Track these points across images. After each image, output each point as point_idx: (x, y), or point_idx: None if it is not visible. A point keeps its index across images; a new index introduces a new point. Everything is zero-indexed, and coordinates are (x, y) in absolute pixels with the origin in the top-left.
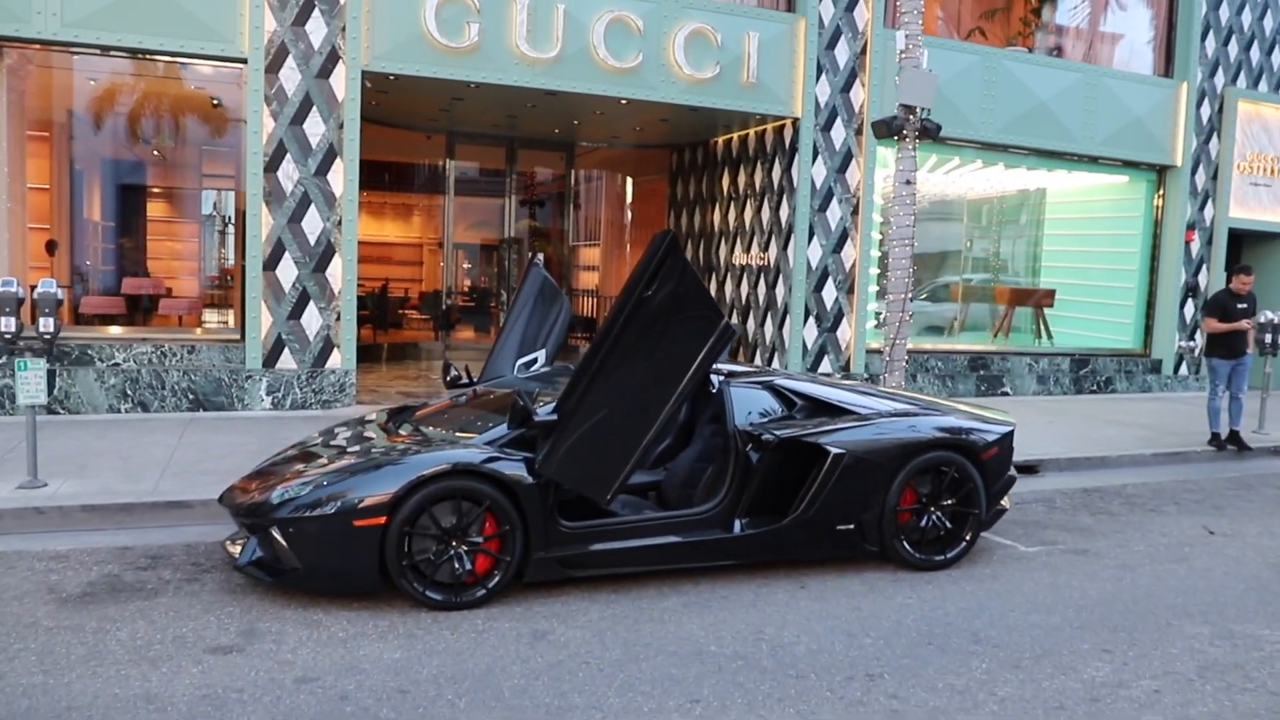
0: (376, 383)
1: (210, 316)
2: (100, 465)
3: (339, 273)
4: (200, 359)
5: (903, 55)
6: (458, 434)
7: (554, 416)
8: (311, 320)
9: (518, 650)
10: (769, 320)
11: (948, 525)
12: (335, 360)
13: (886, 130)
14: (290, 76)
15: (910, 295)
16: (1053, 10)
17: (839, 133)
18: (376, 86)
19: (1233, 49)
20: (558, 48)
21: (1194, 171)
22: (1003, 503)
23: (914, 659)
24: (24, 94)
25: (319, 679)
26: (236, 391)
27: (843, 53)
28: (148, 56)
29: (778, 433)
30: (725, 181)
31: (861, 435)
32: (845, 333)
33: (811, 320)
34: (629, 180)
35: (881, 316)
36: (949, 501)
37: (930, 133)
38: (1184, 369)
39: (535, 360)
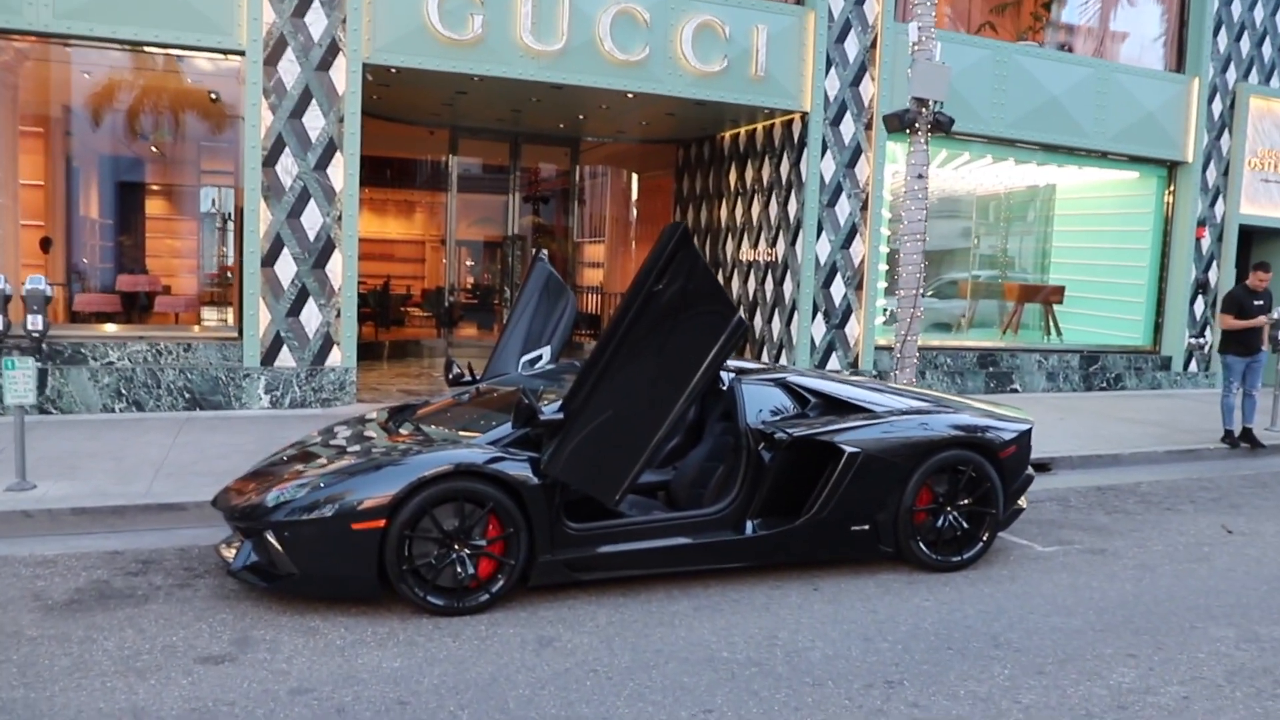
0: (378, 381)
1: (208, 314)
2: (92, 466)
3: (339, 269)
4: (197, 357)
5: (915, 48)
6: (460, 433)
7: (560, 415)
8: (311, 317)
9: (523, 658)
10: (776, 316)
11: (964, 525)
12: (335, 358)
13: (899, 124)
14: (289, 69)
15: (921, 291)
16: (1063, 5)
17: (848, 127)
18: (378, 80)
19: (1244, 44)
20: (563, 40)
21: (1205, 167)
22: (1020, 502)
23: (934, 664)
24: (16, 88)
25: (314, 690)
26: (234, 390)
27: (852, 46)
28: (143, 49)
29: (791, 431)
30: (732, 177)
31: (877, 434)
32: (854, 329)
33: (820, 316)
34: (634, 176)
35: (888, 313)
36: (966, 501)
37: (943, 126)
38: (1194, 366)
39: (540, 357)
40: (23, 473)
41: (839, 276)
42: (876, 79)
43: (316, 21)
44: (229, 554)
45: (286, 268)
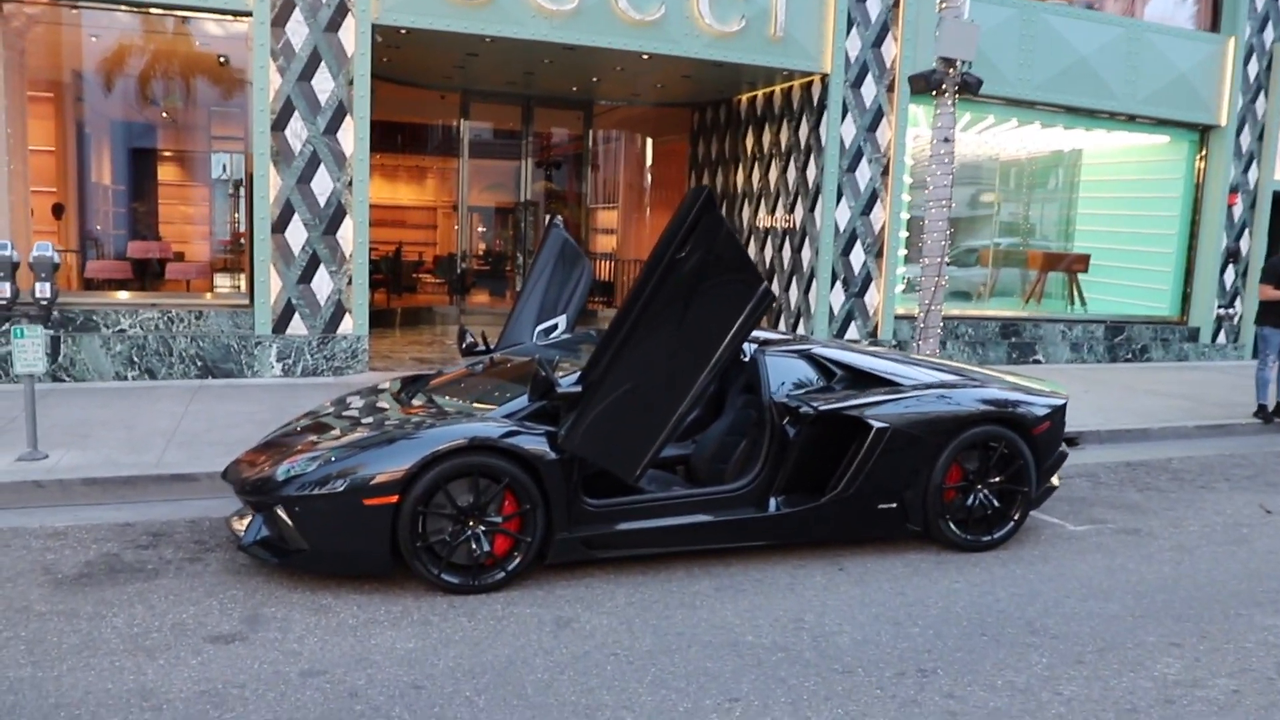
0: (390, 348)
1: (220, 282)
2: (104, 435)
3: (350, 235)
4: (208, 325)
5: (943, 5)
6: (475, 405)
7: (579, 388)
8: (322, 284)
9: (540, 640)
10: (794, 285)
11: (995, 504)
12: (347, 325)
13: (925, 85)
14: (297, 30)
15: (946, 259)
16: None
17: (869, 89)
18: (387, 41)
19: None
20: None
21: (1239, 131)
22: (1052, 480)
23: (968, 652)
24: (24, 52)
25: (327, 672)
26: (246, 358)
27: (874, 5)
28: (150, 10)
29: (817, 405)
30: (749, 141)
31: (906, 408)
32: (873, 298)
33: (839, 285)
34: (649, 141)
35: (907, 280)
36: (997, 479)
37: (971, 87)
38: (1222, 337)
39: (555, 326)
40: (34, 442)
41: (858, 244)
42: (899, 39)
43: None
44: (240, 527)
45: (297, 234)
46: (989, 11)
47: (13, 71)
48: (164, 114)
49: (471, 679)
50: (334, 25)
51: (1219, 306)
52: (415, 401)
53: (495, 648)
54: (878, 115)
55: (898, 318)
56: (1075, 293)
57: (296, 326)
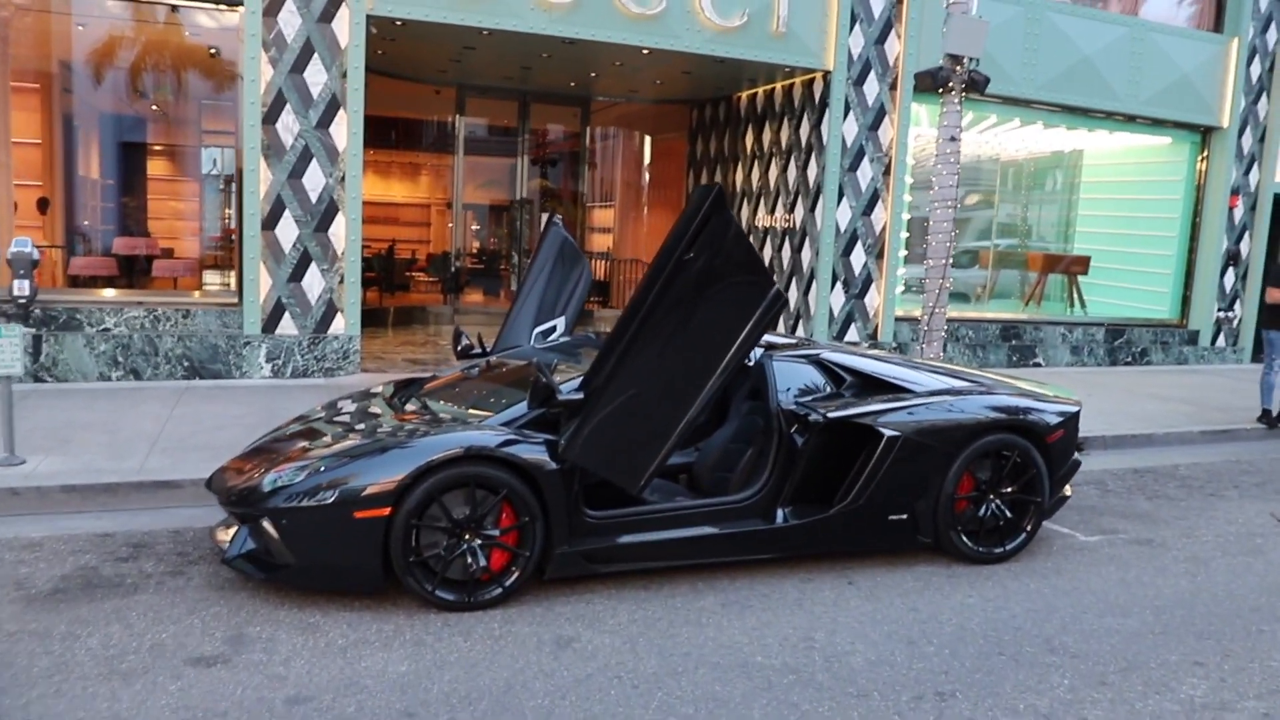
0: (382, 349)
1: (209, 279)
2: (85, 439)
3: (342, 232)
4: (196, 324)
5: (951, 0)
6: (471, 411)
7: (580, 394)
8: (313, 283)
9: (540, 661)
10: (794, 286)
11: (1007, 514)
12: (339, 325)
13: (932, 82)
14: (290, 20)
15: (951, 260)
16: None
17: (872, 87)
18: (382, 33)
19: None
20: None
21: (1241, 133)
22: (1065, 490)
23: (986, 673)
24: (8, 40)
25: (314, 699)
26: (234, 358)
27: (878, 1)
28: None
29: (827, 413)
30: (749, 139)
31: (917, 416)
32: (874, 299)
33: (839, 286)
34: (646, 138)
35: (906, 282)
36: (1009, 489)
37: (978, 85)
38: (1222, 340)
39: (554, 329)
40: (11, 446)
41: (859, 244)
42: (903, 36)
43: None
44: (224, 539)
45: (288, 231)
46: (994, 9)
47: None
48: (154, 107)
49: (468, 706)
50: (328, 16)
51: (1219, 309)
52: (409, 407)
53: (493, 670)
54: (880, 114)
55: (898, 319)
56: (1075, 295)
57: (287, 326)
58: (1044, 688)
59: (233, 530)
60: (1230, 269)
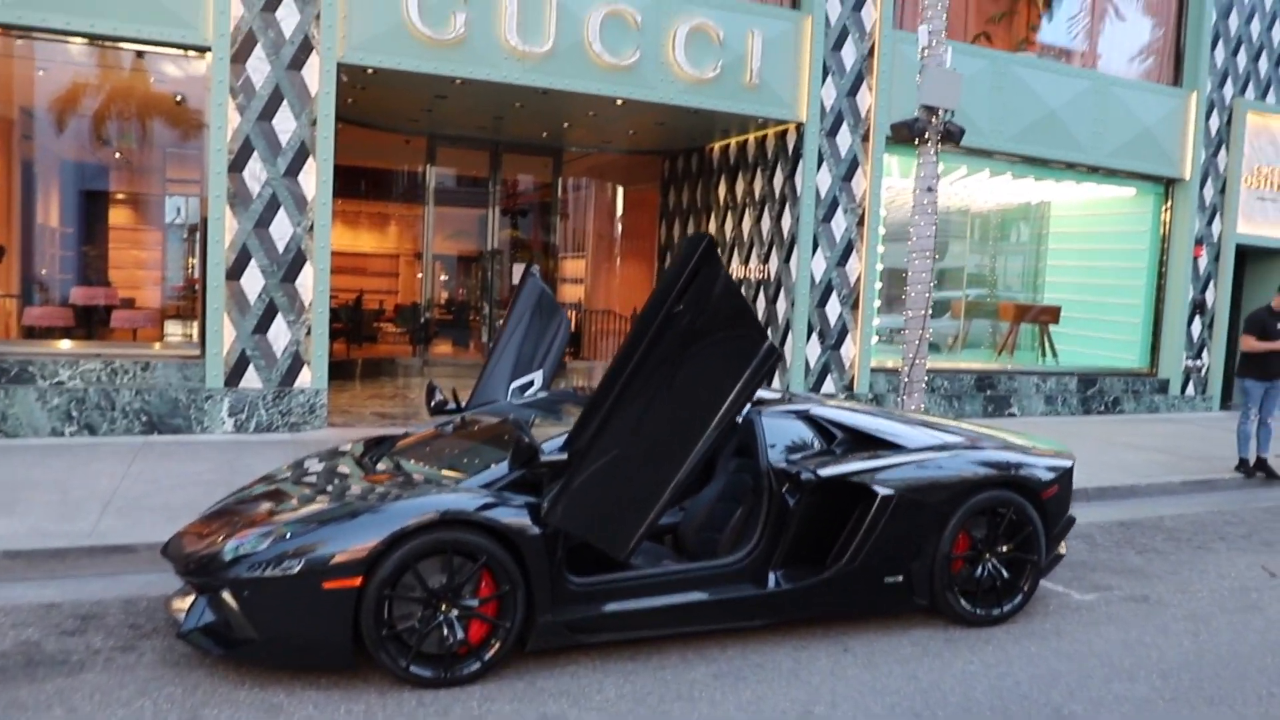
0: (349, 403)
1: (171, 330)
2: (33, 499)
3: (310, 283)
4: (155, 377)
5: (925, 52)
6: (446, 473)
7: (564, 455)
8: (279, 334)
9: None
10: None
11: (1004, 574)
12: (305, 378)
13: (908, 133)
14: (258, 67)
15: (929, 311)
16: (1059, 16)
17: (845, 139)
18: (353, 81)
19: (1241, 59)
20: (550, 42)
21: (1202, 185)
22: (1060, 548)
23: None
24: None
25: None
26: (195, 413)
27: (849, 54)
28: (102, 43)
29: (820, 471)
30: (722, 190)
31: (912, 473)
32: (849, 350)
33: (814, 337)
34: (619, 189)
35: (878, 332)
36: (1005, 548)
37: (954, 137)
38: (1190, 389)
39: (531, 383)
40: None
41: (834, 295)
42: (874, 89)
43: (288, 17)
44: (180, 609)
45: (254, 281)
46: (962, 62)
47: None
48: (117, 155)
49: None
50: (297, 63)
51: (1187, 358)
52: (380, 467)
53: None
54: (853, 165)
55: (874, 370)
56: (1046, 345)
57: (250, 379)
58: None
59: (190, 600)
60: (1197, 318)
